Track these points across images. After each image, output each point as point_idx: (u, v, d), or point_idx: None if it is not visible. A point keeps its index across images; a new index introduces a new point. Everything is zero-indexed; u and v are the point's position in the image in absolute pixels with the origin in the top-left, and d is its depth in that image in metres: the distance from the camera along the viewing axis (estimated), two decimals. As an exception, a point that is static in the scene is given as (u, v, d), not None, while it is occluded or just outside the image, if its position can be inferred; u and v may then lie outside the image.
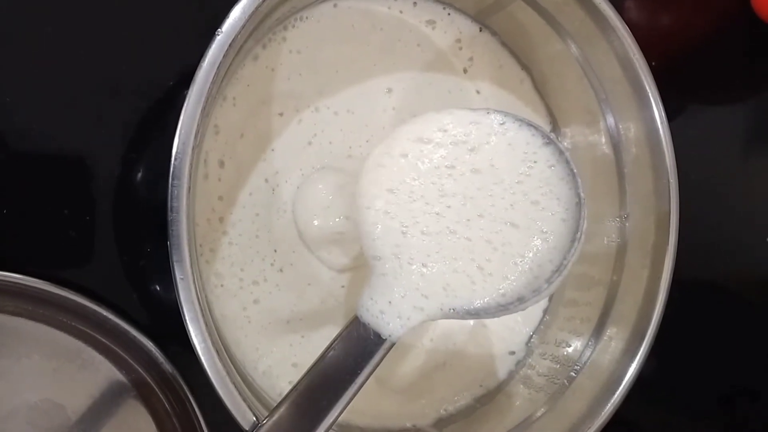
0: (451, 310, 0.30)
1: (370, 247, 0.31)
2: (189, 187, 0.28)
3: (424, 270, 0.30)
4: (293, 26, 0.37)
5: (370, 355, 0.30)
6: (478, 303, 0.30)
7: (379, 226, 0.31)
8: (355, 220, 0.31)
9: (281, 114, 0.37)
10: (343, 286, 0.39)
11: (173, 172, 0.28)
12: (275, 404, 0.32)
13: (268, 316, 0.37)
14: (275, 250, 0.37)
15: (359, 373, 0.30)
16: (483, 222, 0.30)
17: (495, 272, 0.30)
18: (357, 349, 0.30)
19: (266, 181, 0.37)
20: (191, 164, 0.28)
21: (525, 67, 0.42)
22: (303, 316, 0.38)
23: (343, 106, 0.38)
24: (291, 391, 0.30)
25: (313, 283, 0.38)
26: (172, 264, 0.28)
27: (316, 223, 0.37)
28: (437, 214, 0.31)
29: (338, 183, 0.38)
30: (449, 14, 0.40)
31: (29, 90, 0.38)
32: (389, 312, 0.30)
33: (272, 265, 0.37)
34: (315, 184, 0.37)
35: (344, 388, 0.30)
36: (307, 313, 0.38)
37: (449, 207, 0.30)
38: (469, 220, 0.30)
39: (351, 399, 0.30)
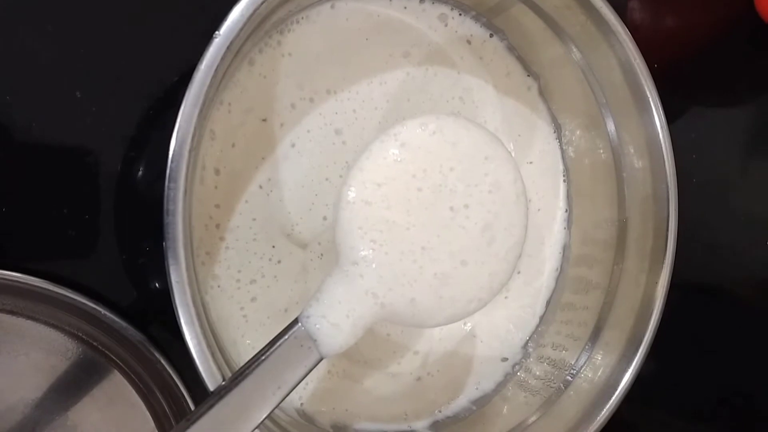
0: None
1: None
2: (185, 191, 0.28)
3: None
4: (289, 30, 0.36)
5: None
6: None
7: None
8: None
9: (264, 120, 0.37)
10: None
11: (169, 174, 0.28)
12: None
13: (266, 310, 0.37)
14: (273, 246, 0.37)
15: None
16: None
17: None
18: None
19: (260, 187, 0.37)
20: (188, 167, 0.28)
21: (531, 73, 0.42)
22: (299, 299, 0.38)
23: (331, 109, 0.38)
24: (224, 388, 0.29)
25: (308, 266, 0.38)
26: (168, 267, 0.28)
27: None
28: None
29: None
30: (459, 14, 0.40)
31: (29, 88, 0.38)
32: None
33: (270, 260, 0.37)
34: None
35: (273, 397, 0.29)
36: (303, 296, 0.38)
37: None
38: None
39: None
